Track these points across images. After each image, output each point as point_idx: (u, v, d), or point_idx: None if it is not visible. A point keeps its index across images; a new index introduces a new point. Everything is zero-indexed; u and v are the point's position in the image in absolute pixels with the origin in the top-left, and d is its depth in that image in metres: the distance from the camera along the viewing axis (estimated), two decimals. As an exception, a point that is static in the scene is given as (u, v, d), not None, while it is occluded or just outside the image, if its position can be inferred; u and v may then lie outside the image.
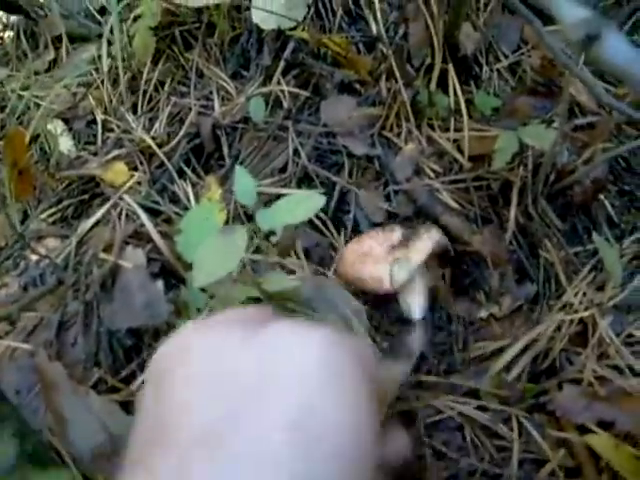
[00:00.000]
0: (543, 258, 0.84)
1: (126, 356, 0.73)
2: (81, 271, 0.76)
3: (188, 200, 0.90)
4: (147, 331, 0.73)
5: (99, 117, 1.05)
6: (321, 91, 0.96)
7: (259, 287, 0.71)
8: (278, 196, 0.90)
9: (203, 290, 0.75)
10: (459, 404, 0.70)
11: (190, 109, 0.98)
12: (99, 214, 0.85)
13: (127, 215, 0.85)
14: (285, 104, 0.95)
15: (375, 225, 0.88)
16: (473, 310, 0.82)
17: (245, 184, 0.74)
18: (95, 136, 1.04)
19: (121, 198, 0.90)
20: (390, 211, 0.88)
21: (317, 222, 0.88)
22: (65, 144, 1.03)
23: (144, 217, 0.82)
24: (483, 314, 0.81)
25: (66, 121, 1.06)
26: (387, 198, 0.89)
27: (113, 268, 0.75)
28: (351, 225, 0.88)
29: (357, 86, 0.96)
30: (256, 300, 0.72)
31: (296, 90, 0.96)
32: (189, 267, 0.80)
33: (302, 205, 0.71)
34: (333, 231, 0.87)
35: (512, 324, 0.80)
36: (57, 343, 0.72)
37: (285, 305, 0.73)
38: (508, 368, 0.74)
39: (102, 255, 0.76)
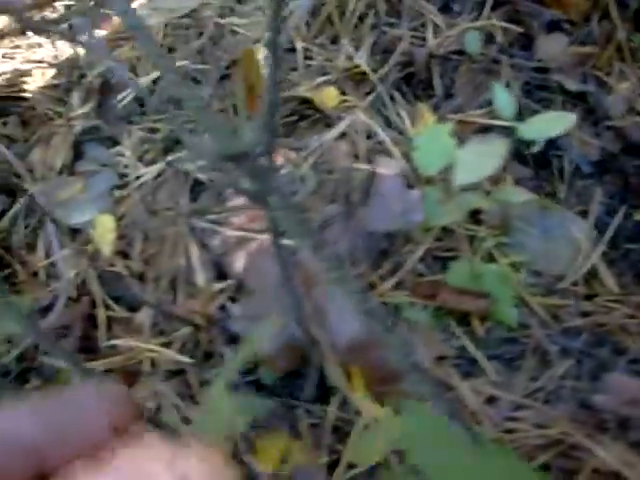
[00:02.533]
0: None
1: (379, 258, 0.78)
2: (332, 178, 0.80)
3: (403, 124, 0.94)
4: (400, 235, 0.77)
5: (299, 45, 1.09)
6: (530, 29, 0.99)
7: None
8: (486, 128, 0.94)
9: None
10: None
11: (400, 39, 1.01)
12: (338, 129, 0.89)
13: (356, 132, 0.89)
14: (498, 38, 0.98)
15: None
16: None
17: (504, 97, 0.77)
18: (297, 62, 1.08)
19: (339, 117, 0.94)
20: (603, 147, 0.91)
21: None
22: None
23: (381, 132, 0.86)
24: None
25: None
26: (597, 135, 0.92)
27: (369, 175, 0.79)
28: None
29: (566, 26, 0.99)
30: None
31: (509, 25, 0.99)
32: (427, 181, 0.84)
33: (559, 121, 0.75)
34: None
35: None
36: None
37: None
38: None
39: (355, 164, 0.80)
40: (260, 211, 0.82)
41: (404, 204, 0.77)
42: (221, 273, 0.80)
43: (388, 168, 0.80)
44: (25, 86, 1.14)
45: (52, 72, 1.15)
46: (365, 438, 0.70)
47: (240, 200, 0.84)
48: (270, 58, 0.52)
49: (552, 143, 0.93)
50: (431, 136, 0.83)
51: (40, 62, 1.16)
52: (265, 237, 0.77)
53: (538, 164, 0.94)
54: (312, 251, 0.54)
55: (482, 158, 0.73)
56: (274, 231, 0.60)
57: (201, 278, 0.80)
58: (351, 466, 0.70)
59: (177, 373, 0.82)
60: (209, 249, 0.80)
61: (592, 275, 0.82)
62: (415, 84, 0.99)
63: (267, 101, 0.55)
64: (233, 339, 0.78)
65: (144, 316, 0.87)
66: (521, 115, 0.89)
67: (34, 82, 1.14)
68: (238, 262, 0.76)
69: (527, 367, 0.75)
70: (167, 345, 0.83)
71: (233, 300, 0.78)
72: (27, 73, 1.15)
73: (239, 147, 0.55)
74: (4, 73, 1.15)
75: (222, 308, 0.79)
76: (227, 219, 0.81)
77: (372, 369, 0.69)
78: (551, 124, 0.74)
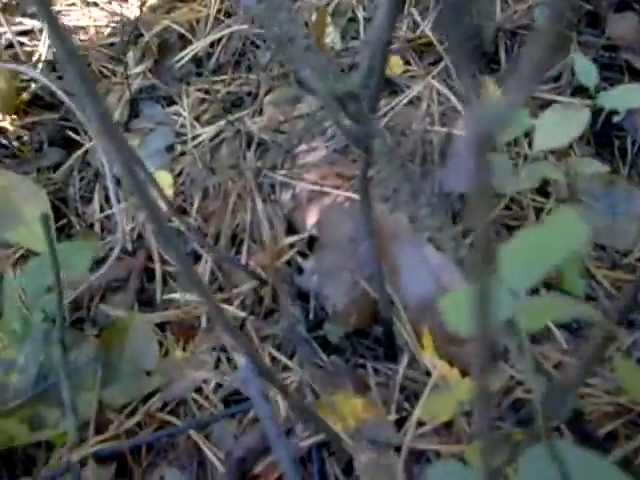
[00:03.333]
0: None
1: (453, 219, 0.77)
2: (408, 140, 0.80)
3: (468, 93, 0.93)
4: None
5: (360, 14, 1.08)
6: (599, 7, 0.99)
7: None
8: (550, 102, 0.93)
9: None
10: None
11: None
12: (410, 94, 0.89)
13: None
14: (567, 15, 0.98)
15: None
16: None
17: (585, 65, 0.77)
18: (357, 32, 1.07)
19: (406, 86, 0.93)
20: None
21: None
22: (331, 36, 1.06)
23: (453, 98, 0.86)
24: None
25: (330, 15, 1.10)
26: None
27: (446, 137, 0.78)
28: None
29: (636, 5, 0.98)
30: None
31: (580, 2, 0.98)
32: (494, 149, 0.83)
33: (638, 93, 0.74)
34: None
35: None
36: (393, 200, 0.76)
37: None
38: None
39: (431, 127, 0.80)
40: (332, 169, 0.82)
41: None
42: (291, 229, 0.79)
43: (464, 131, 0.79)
44: (80, 43, 1.14)
45: (108, 30, 1.14)
46: (434, 397, 0.70)
47: (312, 158, 0.84)
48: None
49: (612, 123, 0.93)
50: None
51: (96, 20, 1.15)
52: (339, 193, 0.77)
53: (600, 143, 0.93)
54: (410, 197, 0.54)
55: (562, 125, 0.72)
56: (363, 180, 0.59)
57: (268, 233, 0.80)
58: (420, 424, 0.69)
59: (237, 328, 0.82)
60: (278, 204, 0.80)
61: (658, 252, 0.82)
62: (481, 57, 0.99)
63: (378, 43, 0.55)
64: (301, 295, 0.78)
65: (202, 271, 0.86)
66: (588, 91, 0.89)
67: (90, 39, 1.14)
68: (310, 218, 0.75)
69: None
70: (226, 301, 0.83)
71: (303, 256, 0.77)
72: (82, 30, 1.15)
73: (347, 88, 0.54)
74: (59, 29, 1.14)
75: (289, 264, 0.78)
76: (298, 176, 0.80)
77: (442, 329, 0.69)
78: (633, 95, 0.73)
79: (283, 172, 0.82)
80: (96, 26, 1.15)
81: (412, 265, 0.73)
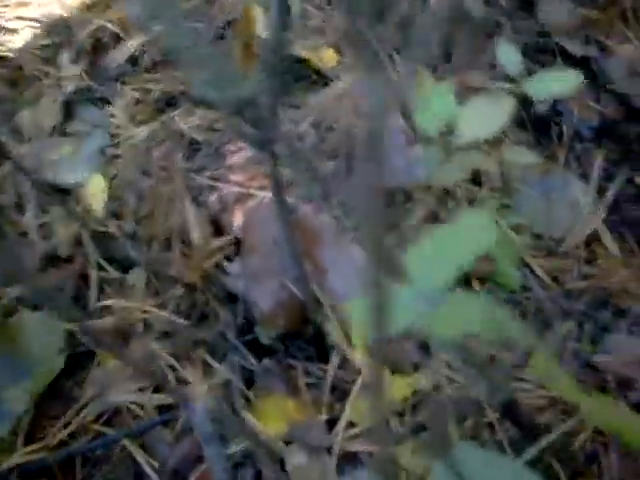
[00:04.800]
0: None
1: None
2: (333, 135, 0.79)
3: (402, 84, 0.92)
4: (400, 193, 0.76)
5: (296, 7, 1.06)
6: (532, -8, 0.98)
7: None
8: (485, 90, 0.92)
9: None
10: None
11: None
12: (338, 87, 0.87)
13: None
14: (501, 1, 0.97)
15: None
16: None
17: (509, 53, 0.76)
18: (293, 23, 1.05)
19: (337, 77, 0.92)
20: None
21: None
22: (263, 28, 1.05)
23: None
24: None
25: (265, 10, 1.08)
26: (597, 100, 0.91)
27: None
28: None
29: (569, -11, 0.98)
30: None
31: (511, -13, 0.97)
32: (427, 140, 0.82)
33: (567, 79, 0.73)
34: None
35: None
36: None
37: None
38: None
39: (355, 121, 0.79)
40: (259, 169, 0.80)
41: (406, 160, 0.75)
42: (218, 231, 0.78)
43: (389, 125, 0.78)
44: (11, 45, 1.11)
45: (40, 32, 1.12)
46: (365, 397, 0.69)
47: (238, 158, 0.82)
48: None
49: (550, 108, 0.93)
50: (431, 95, 0.81)
51: (29, 20, 1.12)
52: (265, 195, 0.75)
53: (537, 129, 0.93)
54: (320, 199, 0.53)
55: (487, 115, 0.71)
56: (276, 184, 0.58)
57: (197, 236, 0.79)
58: (351, 424, 0.69)
59: (171, 334, 0.81)
60: (206, 207, 0.78)
61: (593, 238, 0.82)
62: (414, 44, 0.97)
63: (273, 46, 0.53)
64: (231, 298, 0.76)
65: (137, 277, 0.85)
66: (521, 78, 0.88)
67: (22, 41, 1.11)
68: (236, 219, 0.74)
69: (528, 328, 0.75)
70: (161, 306, 0.82)
71: (230, 259, 0.76)
72: (14, 32, 1.12)
73: (245, 93, 0.53)
74: (-11, 32, 1.11)
75: (219, 267, 0.77)
76: (225, 177, 0.79)
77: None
78: (559, 82, 0.72)
79: (209, 174, 0.81)
80: (29, 27, 1.12)
81: (338, 265, 0.72)
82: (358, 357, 0.70)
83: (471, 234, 0.51)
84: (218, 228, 0.78)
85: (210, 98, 0.51)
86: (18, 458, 0.70)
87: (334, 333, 0.71)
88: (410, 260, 0.48)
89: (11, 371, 0.73)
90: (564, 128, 0.91)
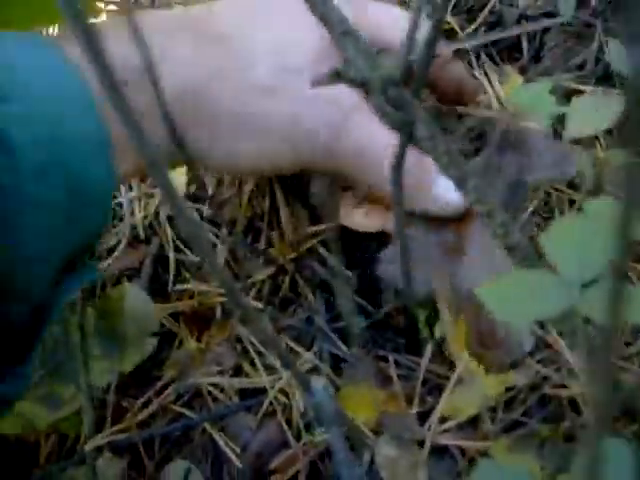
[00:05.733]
0: None
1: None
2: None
3: (491, 84, 0.91)
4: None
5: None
6: (624, -4, 0.96)
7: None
8: (574, 92, 0.91)
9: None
10: None
11: (488, -1, 0.98)
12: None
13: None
14: (592, 2, 0.95)
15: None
16: None
17: (619, 51, 0.74)
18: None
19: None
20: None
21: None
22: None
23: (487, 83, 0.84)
24: None
25: None
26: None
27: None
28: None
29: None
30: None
31: (604, -10, 0.96)
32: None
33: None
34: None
35: None
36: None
37: None
38: None
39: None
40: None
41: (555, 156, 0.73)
42: (313, 216, 0.77)
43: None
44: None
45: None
46: (459, 391, 0.68)
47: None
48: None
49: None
50: (530, 93, 0.80)
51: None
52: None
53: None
54: (457, 183, 0.52)
55: (597, 111, 0.70)
56: (396, 167, 0.57)
57: (286, 220, 0.78)
58: (443, 419, 0.67)
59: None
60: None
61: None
62: (502, 45, 0.96)
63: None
64: (322, 284, 0.76)
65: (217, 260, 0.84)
66: (611, 80, 0.87)
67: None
68: (345, 209, 0.73)
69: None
70: (242, 290, 0.81)
71: (326, 245, 0.75)
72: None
73: (387, 73, 0.52)
74: None
75: (313, 252, 0.76)
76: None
77: (478, 327, 0.66)
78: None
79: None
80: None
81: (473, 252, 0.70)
82: (453, 351, 0.69)
83: (605, 224, 0.49)
84: (313, 213, 0.77)
85: (354, 76, 0.51)
86: (107, 437, 0.70)
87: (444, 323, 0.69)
88: (552, 249, 0.47)
89: (104, 343, 0.73)
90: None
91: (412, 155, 0.53)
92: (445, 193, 0.66)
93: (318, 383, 0.48)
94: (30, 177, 0.49)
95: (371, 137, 0.65)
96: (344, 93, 0.64)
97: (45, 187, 0.50)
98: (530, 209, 0.76)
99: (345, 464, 0.50)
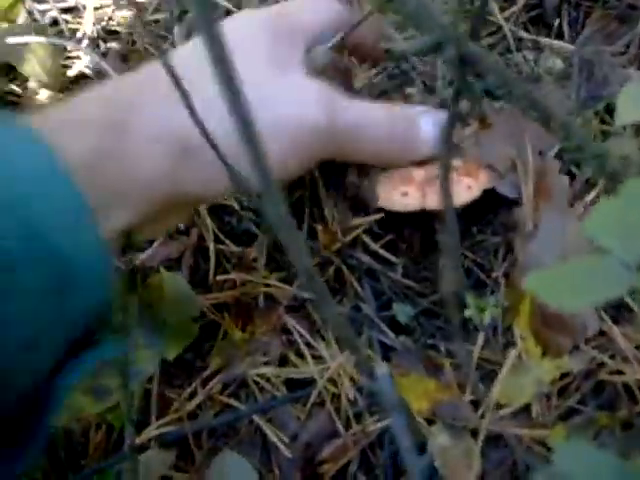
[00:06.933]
0: None
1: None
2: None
3: (530, 68, 0.90)
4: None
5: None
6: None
7: None
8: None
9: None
10: None
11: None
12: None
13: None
14: (635, -16, 0.94)
15: None
16: None
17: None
18: None
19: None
20: None
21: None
22: None
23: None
24: None
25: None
26: None
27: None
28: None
29: None
30: None
31: (647, -29, 0.94)
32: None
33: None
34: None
35: None
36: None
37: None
38: None
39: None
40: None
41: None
42: (356, 206, 0.76)
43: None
44: (123, 20, 1.11)
45: (153, 6, 1.11)
46: (512, 378, 0.67)
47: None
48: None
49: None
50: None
51: (140, -4, 1.12)
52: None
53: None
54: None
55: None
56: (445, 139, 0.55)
57: (329, 210, 0.77)
58: (498, 406, 0.66)
59: (297, 309, 0.79)
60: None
61: None
62: (542, 28, 0.95)
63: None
64: (369, 273, 0.75)
65: (258, 251, 0.83)
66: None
67: (134, 16, 1.11)
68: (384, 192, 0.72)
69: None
70: (285, 280, 0.80)
71: (372, 234, 0.75)
72: (125, 7, 1.12)
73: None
74: (102, 6, 1.11)
75: (356, 242, 0.75)
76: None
77: (544, 307, 0.65)
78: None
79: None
80: (140, 3, 1.12)
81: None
82: (518, 327, 0.67)
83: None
84: (356, 202, 0.76)
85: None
86: (156, 429, 0.70)
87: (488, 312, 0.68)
88: (599, 233, 0.46)
89: (146, 333, 0.73)
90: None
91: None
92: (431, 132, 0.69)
93: (382, 369, 0.47)
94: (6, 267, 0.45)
95: (366, 111, 0.68)
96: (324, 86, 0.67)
97: (27, 271, 0.46)
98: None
99: (410, 452, 0.49)
